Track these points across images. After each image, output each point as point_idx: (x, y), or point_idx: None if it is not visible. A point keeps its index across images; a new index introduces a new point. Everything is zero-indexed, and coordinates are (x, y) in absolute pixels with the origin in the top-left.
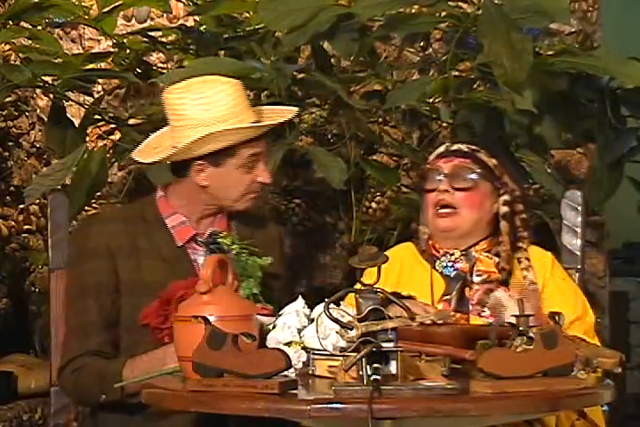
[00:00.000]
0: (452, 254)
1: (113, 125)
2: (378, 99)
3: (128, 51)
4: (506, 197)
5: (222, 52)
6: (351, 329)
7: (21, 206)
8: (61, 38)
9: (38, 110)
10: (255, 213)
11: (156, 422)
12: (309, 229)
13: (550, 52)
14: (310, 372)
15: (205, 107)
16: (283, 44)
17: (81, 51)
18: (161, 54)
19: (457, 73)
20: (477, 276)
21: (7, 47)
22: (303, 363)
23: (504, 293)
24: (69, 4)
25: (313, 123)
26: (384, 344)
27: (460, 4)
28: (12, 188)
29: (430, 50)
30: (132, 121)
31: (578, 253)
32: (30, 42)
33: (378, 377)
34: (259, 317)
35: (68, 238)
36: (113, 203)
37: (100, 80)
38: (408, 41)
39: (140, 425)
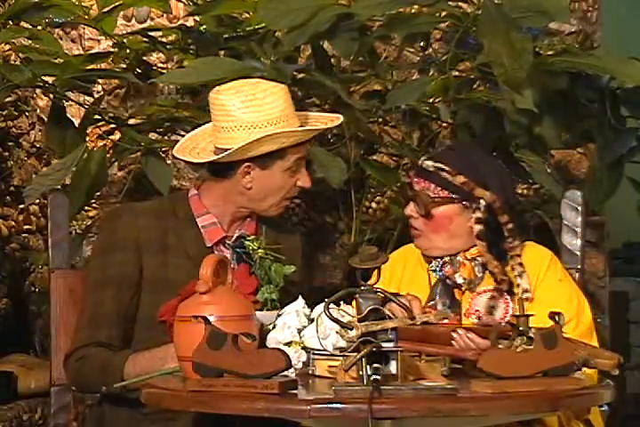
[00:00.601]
0: (441, 258)
1: (113, 125)
2: (378, 99)
3: (128, 51)
4: (477, 215)
5: (222, 52)
6: (351, 329)
7: (21, 206)
8: (61, 38)
9: (38, 110)
10: (283, 221)
11: (161, 421)
12: (309, 229)
13: (550, 52)
14: (310, 372)
15: (257, 108)
16: (283, 43)
17: (81, 51)
18: (161, 54)
19: (457, 73)
20: (464, 280)
21: (7, 47)
22: (303, 363)
23: (487, 297)
24: (69, 4)
25: None
26: (384, 344)
27: (459, 3)
28: (12, 188)
29: (430, 50)
30: (132, 121)
31: (578, 253)
32: (30, 42)
33: (378, 377)
34: (261, 313)
35: (99, 226)
36: (113, 203)
37: (100, 80)
38: (408, 41)
39: (145, 425)
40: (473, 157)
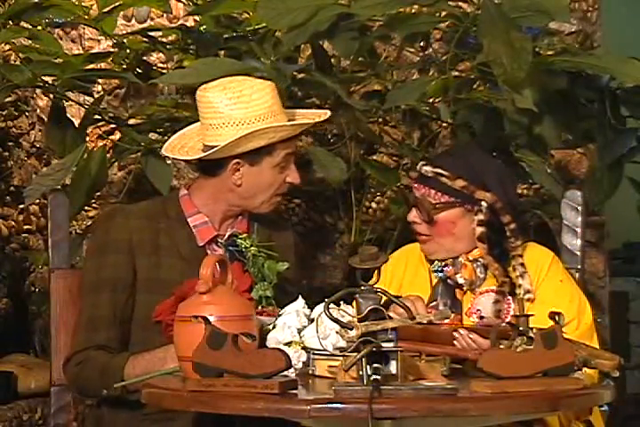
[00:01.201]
0: (444, 260)
1: (113, 125)
2: (378, 99)
3: (128, 51)
4: (479, 217)
5: (222, 52)
6: (351, 329)
7: (21, 206)
8: (61, 38)
9: (38, 110)
10: (275, 218)
11: (161, 421)
12: (309, 229)
13: (550, 52)
14: (310, 372)
15: (244, 105)
16: (282, 43)
17: (81, 51)
18: (161, 54)
19: (457, 73)
20: (465, 280)
21: (7, 47)
22: (303, 363)
23: (489, 298)
24: (69, 4)
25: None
26: (384, 344)
27: (459, 3)
28: (12, 188)
29: (430, 50)
30: (132, 121)
31: (578, 253)
32: (30, 42)
33: (378, 377)
34: (259, 317)
35: (92, 228)
36: (113, 203)
37: (100, 80)
38: (408, 41)
39: (144, 425)
40: (471, 159)
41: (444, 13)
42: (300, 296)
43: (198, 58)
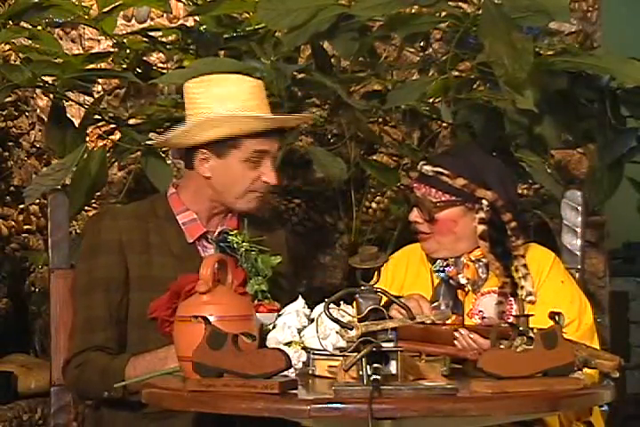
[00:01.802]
0: (445, 259)
1: (113, 125)
2: (378, 99)
3: (128, 51)
4: (481, 215)
5: (222, 52)
6: (351, 329)
7: (21, 206)
8: (61, 38)
9: (38, 110)
10: (264, 217)
11: (160, 420)
12: (309, 229)
13: (550, 52)
14: (310, 372)
15: (220, 99)
16: (283, 43)
17: (81, 51)
18: (161, 54)
19: (457, 73)
20: (465, 281)
21: (7, 47)
22: (303, 363)
23: (491, 299)
24: (69, 4)
25: (313, 123)
26: (384, 344)
27: (459, 3)
28: (12, 188)
29: (430, 50)
30: (132, 121)
31: (578, 253)
32: (30, 42)
33: (378, 377)
34: (261, 314)
35: (82, 231)
36: (113, 203)
37: (100, 80)
38: (408, 41)
39: (145, 425)
40: (471, 158)
41: (444, 13)
42: (300, 296)
43: (198, 58)
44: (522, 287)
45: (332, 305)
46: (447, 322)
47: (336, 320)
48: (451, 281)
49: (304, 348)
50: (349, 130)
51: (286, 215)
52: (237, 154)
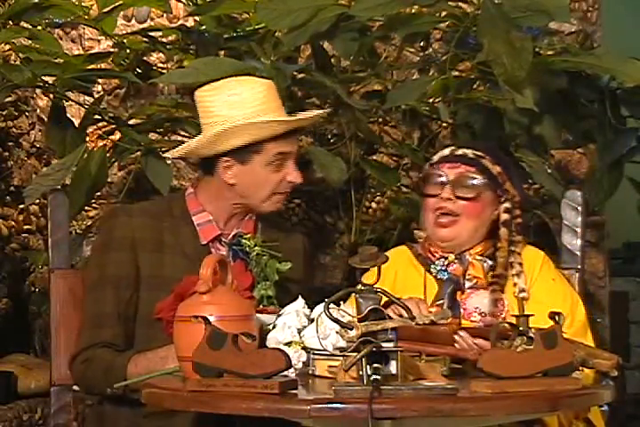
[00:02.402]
0: (446, 258)
1: (113, 125)
2: (378, 99)
3: (128, 51)
4: (507, 205)
5: (222, 52)
6: (351, 329)
7: (21, 206)
8: (61, 38)
9: (38, 110)
10: (283, 221)
11: (162, 419)
12: (309, 229)
13: (550, 52)
14: (310, 372)
15: (235, 105)
16: (282, 43)
17: (81, 51)
18: (161, 54)
19: (457, 73)
20: (468, 280)
21: (7, 47)
22: (303, 363)
23: (485, 297)
24: (69, 4)
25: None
26: (384, 344)
27: (459, 4)
28: (12, 188)
29: (430, 50)
30: (132, 121)
31: (578, 253)
32: (30, 42)
33: (378, 377)
34: (259, 315)
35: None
36: (113, 203)
37: (100, 80)
38: (408, 41)
39: (147, 423)
40: (501, 154)
41: (444, 13)
42: (299, 296)
43: (198, 58)
44: (514, 284)
45: (332, 305)
46: (447, 322)
47: (336, 320)
48: (453, 279)
49: (304, 348)
50: (349, 130)
51: (286, 215)
52: (260, 159)
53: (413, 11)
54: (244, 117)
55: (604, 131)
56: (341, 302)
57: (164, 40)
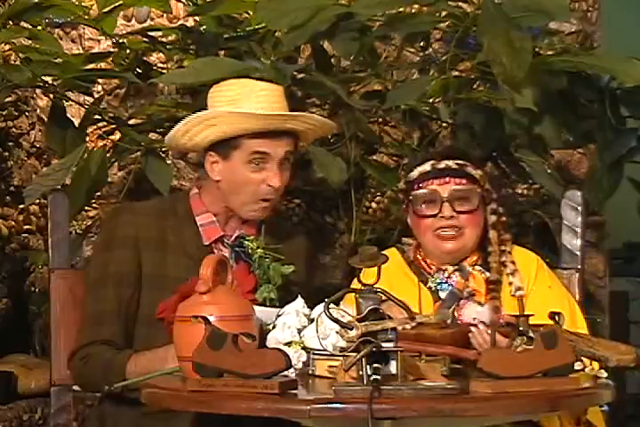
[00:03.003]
0: (444, 270)
1: (113, 125)
2: (378, 99)
3: (128, 51)
4: (492, 206)
5: (222, 52)
6: (351, 329)
7: (21, 206)
8: (61, 38)
9: (38, 110)
10: (285, 224)
11: (162, 419)
12: (309, 229)
13: (550, 52)
14: (310, 372)
15: (231, 103)
16: (283, 43)
17: (81, 51)
18: (161, 54)
19: (457, 73)
20: (466, 292)
21: (7, 47)
22: (303, 363)
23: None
24: (69, 4)
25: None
26: (384, 344)
27: (459, 3)
28: (12, 188)
29: (430, 50)
30: (132, 121)
31: (578, 253)
32: (30, 42)
33: (378, 377)
34: (261, 310)
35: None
36: (113, 203)
37: (100, 80)
38: (408, 41)
39: (147, 424)
40: (471, 154)
41: (444, 13)
42: (299, 296)
43: (198, 58)
44: (510, 284)
45: (332, 305)
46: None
47: (336, 320)
48: (457, 294)
49: (304, 348)
50: (349, 130)
51: (286, 215)
52: (239, 155)
53: (413, 10)
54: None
55: (603, 131)
56: (341, 302)
57: (164, 40)
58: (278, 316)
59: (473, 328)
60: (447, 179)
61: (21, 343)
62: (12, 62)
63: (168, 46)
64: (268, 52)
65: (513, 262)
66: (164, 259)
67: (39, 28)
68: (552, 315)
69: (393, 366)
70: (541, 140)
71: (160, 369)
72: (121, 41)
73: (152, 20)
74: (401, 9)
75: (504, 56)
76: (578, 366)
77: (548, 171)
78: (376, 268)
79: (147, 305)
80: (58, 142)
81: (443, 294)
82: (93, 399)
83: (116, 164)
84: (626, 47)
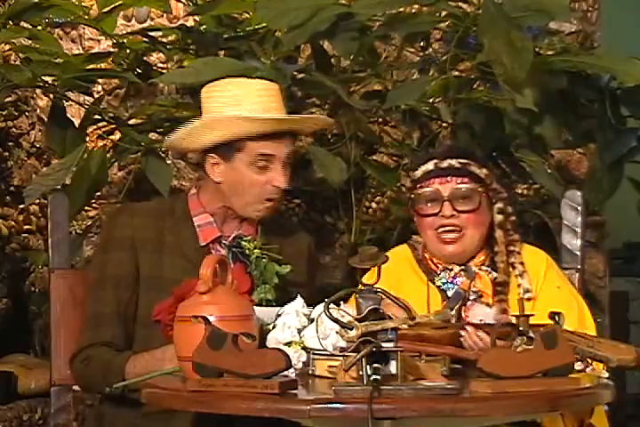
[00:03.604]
0: (450, 270)
1: (113, 125)
2: (378, 99)
3: (128, 51)
4: (499, 205)
5: (222, 52)
6: (351, 329)
7: (21, 206)
8: (61, 38)
9: (38, 110)
10: (285, 223)
11: (162, 420)
12: (309, 229)
13: (550, 52)
14: (310, 372)
15: (230, 104)
16: (283, 43)
17: (81, 51)
18: (161, 54)
19: (457, 73)
20: (473, 292)
21: (7, 47)
22: (303, 363)
23: (487, 308)
24: (69, 4)
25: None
26: (384, 344)
27: (459, 3)
28: (12, 188)
29: (430, 50)
30: (132, 121)
31: (578, 253)
32: (30, 42)
33: (378, 377)
34: (260, 309)
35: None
36: (113, 203)
37: (100, 80)
38: (408, 41)
39: (146, 424)
40: (476, 151)
41: (444, 13)
42: (298, 296)
43: (198, 58)
44: (519, 285)
45: (332, 305)
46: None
47: (336, 320)
48: (462, 294)
49: (304, 348)
50: (349, 130)
51: (286, 215)
52: (242, 158)
53: (413, 10)
54: (232, 114)
55: (603, 131)
56: (341, 302)
57: (164, 40)
58: (278, 316)
59: (462, 332)
60: (449, 178)
61: (21, 343)
62: (12, 62)
63: (168, 46)
64: (268, 52)
65: (522, 264)
66: (160, 260)
67: (39, 28)
68: (552, 315)
69: (393, 366)
70: (541, 140)
71: (158, 370)
72: (121, 41)
73: (152, 20)
74: (401, 9)
75: (505, 56)
76: (579, 366)
77: (548, 171)
78: (376, 268)
79: (144, 306)
80: (58, 142)
81: (450, 294)
82: (93, 399)
83: (116, 164)
84: (626, 47)
